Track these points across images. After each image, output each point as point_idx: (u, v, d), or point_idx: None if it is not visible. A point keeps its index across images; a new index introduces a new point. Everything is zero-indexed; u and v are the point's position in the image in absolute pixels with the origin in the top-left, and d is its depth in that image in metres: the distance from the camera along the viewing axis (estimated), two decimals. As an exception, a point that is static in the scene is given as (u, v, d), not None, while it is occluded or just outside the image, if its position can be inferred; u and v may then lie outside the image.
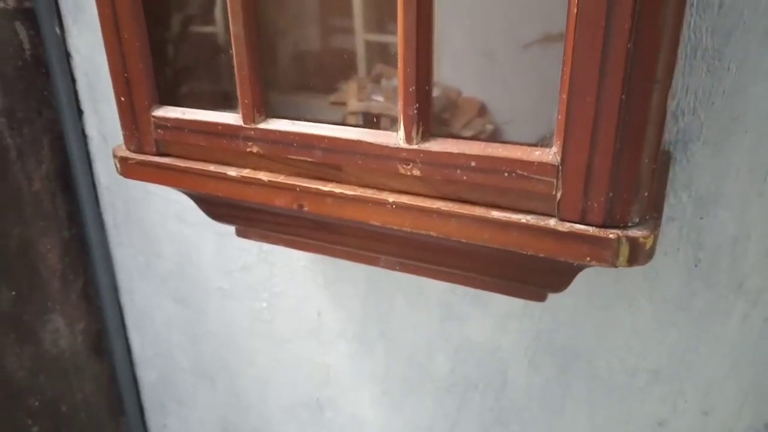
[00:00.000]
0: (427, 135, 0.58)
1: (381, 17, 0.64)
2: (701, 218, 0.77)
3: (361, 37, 0.74)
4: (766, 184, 0.73)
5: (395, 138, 0.59)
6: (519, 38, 0.54)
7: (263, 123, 0.67)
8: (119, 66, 0.71)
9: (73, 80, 1.22)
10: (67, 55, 1.20)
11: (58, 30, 1.17)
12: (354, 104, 0.74)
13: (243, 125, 0.67)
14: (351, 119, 0.74)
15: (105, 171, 1.29)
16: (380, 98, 0.71)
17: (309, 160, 0.65)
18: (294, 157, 0.66)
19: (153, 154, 0.75)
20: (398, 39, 0.55)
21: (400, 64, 0.56)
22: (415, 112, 0.57)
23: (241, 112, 0.67)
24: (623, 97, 0.47)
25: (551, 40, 0.52)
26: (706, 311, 0.81)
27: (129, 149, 0.77)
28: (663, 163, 0.73)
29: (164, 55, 0.74)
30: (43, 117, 1.22)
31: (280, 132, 0.65)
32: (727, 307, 0.80)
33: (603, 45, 0.46)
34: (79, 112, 1.25)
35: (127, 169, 0.77)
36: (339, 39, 0.75)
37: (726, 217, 0.77)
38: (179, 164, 0.73)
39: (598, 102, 0.48)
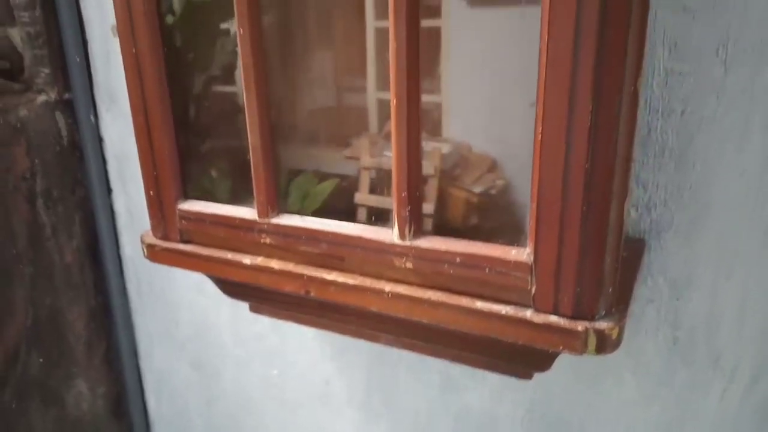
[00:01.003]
0: (418, 233, 0.65)
1: None
2: (677, 300, 0.83)
3: (373, 96, 0.81)
4: (733, 269, 0.79)
5: (390, 235, 0.66)
6: (528, 97, 0.58)
7: (276, 218, 0.74)
8: (150, 165, 0.79)
9: (104, 162, 1.32)
10: (100, 140, 1.30)
11: (92, 118, 1.27)
12: (367, 160, 0.81)
13: (258, 220, 0.74)
14: (364, 174, 0.80)
15: (130, 243, 1.37)
16: (391, 154, 0.77)
17: (315, 251, 0.72)
18: (302, 248, 0.73)
19: (177, 241, 0.82)
20: (392, 154, 0.62)
21: (393, 174, 0.63)
22: (408, 213, 0.64)
23: (256, 208, 0.74)
24: (584, 208, 0.54)
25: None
26: (687, 386, 0.86)
27: (155, 236, 0.84)
28: (637, 250, 0.79)
29: (190, 153, 0.82)
30: (75, 195, 1.31)
31: (290, 227, 0.72)
32: (706, 382, 0.85)
33: (564, 166, 0.53)
34: (109, 191, 1.34)
35: (154, 254, 0.84)
36: (353, 97, 0.83)
37: (699, 298, 0.82)
38: (201, 252, 0.80)
39: (562, 212, 0.55)
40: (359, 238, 0.68)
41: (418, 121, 0.61)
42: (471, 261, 0.62)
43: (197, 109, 0.86)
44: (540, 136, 0.53)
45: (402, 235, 0.65)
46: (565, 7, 0.49)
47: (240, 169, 0.87)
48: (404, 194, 0.63)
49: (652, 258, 0.82)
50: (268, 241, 0.75)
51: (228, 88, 0.94)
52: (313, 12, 0.88)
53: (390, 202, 0.65)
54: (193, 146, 0.82)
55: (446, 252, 0.63)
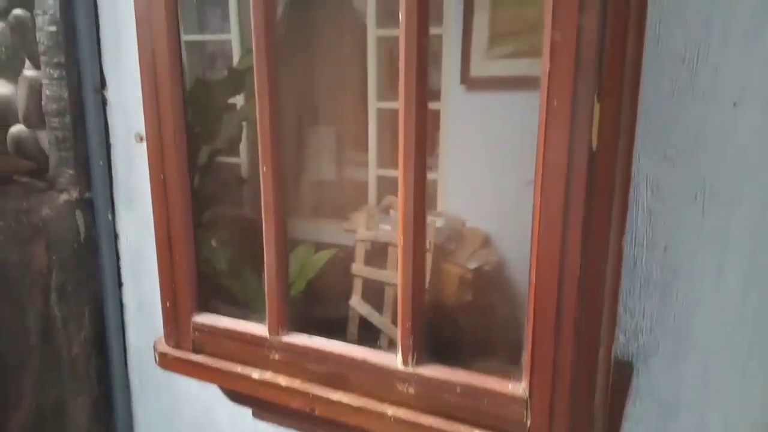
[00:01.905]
0: (421, 360, 0.69)
1: (392, 155, 0.73)
2: (665, 420, 0.85)
3: (373, 172, 0.85)
4: (718, 390, 0.82)
5: (394, 360, 0.69)
6: (521, 176, 0.61)
7: (285, 336, 0.77)
8: (169, 279, 0.83)
9: (118, 258, 1.36)
10: (115, 236, 1.35)
11: (110, 216, 1.32)
12: (363, 232, 0.84)
13: (268, 337, 0.78)
14: (360, 245, 0.82)
15: (136, 334, 1.39)
16: (388, 227, 0.80)
17: (322, 370, 0.75)
18: (309, 366, 0.76)
19: (189, 351, 0.85)
20: (398, 289, 0.66)
21: (399, 307, 0.67)
22: (411, 343, 0.67)
23: (267, 326, 0.78)
24: (576, 354, 0.58)
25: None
26: (676, 506, 0.87)
27: (168, 344, 0.87)
28: (626, 373, 0.83)
29: (207, 266, 0.86)
30: (87, 288, 1.34)
31: (299, 345, 0.76)
32: (695, 503, 0.86)
33: (556, 315, 0.57)
34: (120, 284, 1.37)
35: (166, 362, 0.87)
36: (353, 171, 0.86)
37: (687, 418, 0.84)
38: (211, 363, 0.83)
39: (555, 355, 0.58)
40: (364, 362, 0.71)
41: (423, 260, 0.66)
42: (470, 392, 0.65)
43: (201, 178, 0.89)
44: (533, 293, 0.58)
45: (405, 362, 0.68)
46: (555, 189, 0.54)
47: (239, 240, 0.91)
48: (408, 325, 0.67)
49: (641, 380, 0.85)
50: (276, 357, 0.78)
51: (232, 159, 0.98)
52: (316, 88, 0.92)
53: (383, 274, 0.67)
54: (195, 214, 0.85)
55: (447, 381, 0.66)
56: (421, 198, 0.64)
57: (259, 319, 0.79)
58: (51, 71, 1.23)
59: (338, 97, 0.95)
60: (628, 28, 0.54)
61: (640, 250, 0.81)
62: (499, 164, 0.69)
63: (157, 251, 0.83)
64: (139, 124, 1.25)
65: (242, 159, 1.01)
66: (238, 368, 0.81)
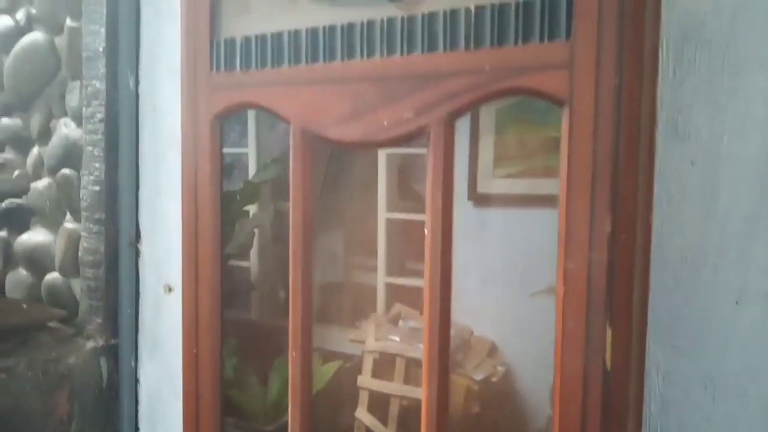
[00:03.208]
0: None
1: (401, 263, 0.74)
2: None
3: (382, 279, 0.85)
4: None
5: None
6: (528, 287, 0.61)
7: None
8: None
9: (137, 402, 1.36)
10: (136, 381, 1.36)
11: (133, 362, 1.34)
12: (371, 343, 0.82)
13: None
14: (368, 357, 0.81)
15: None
16: (396, 338, 0.79)
17: None
18: None
19: None
20: (422, 404, 0.66)
21: (423, 424, 0.66)
22: None
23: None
24: None
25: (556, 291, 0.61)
26: None
27: None
28: None
29: None
30: (104, 433, 1.34)
31: None
32: None
33: None
34: (136, 429, 1.37)
35: None
36: (361, 275, 0.87)
37: None
38: None
39: None
40: None
41: (447, 377, 0.66)
42: None
43: None
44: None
45: None
46: (572, 406, 0.57)
47: (246, 346, 0.91)
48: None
49: None
50: None
51: (242, 263, 1.00)
52: (328, 194, 0.96)
53: (390, 386, 0.67)
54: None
55: None
56: (447, 322, 0.65)
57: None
58: (90, 225, 1.30)
59: (347, 202, 0.99)
60: (634, 263, 0.59)
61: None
62: (504, 275, 0.72)
63: (183, 422, 0.85)
64: (169, 275, 1.30)
65: (252, 263, 1.04)
66: None
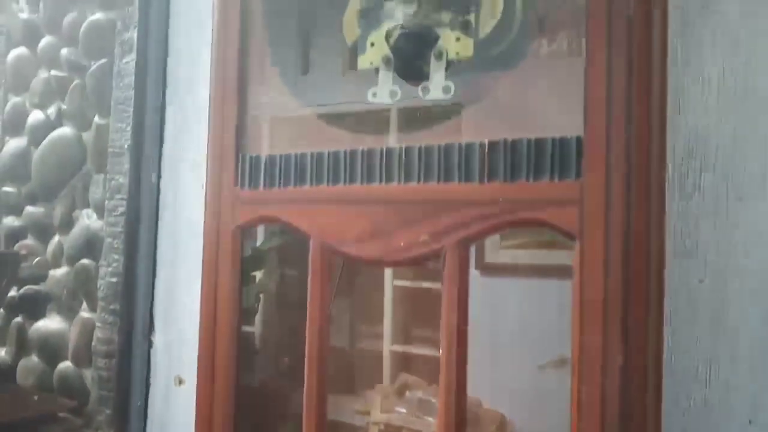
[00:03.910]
0: None
1: (407, 331, 0.73)
2: None
3: (387, 348, 0.83)
4: None
5: None
6: (537, 358, 0.60)
7: None
8: None
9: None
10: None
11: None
12: (377, 415, 0.80)
13: None
14: (374, 429, 0.78)
15: None
16: (403, 410, 0.76)
17: None
18: None
19: None
20: None
21: None
22: None
23: None
24: None
25: (564, 363, 0.60)
26: None
27: None
28: None
29: None
30: None
31: None
32: None
33: None
34: None
35: None
36: (367, 346, 0.84)
37: None
38: None
39: None
40: None
41: None
42: None
43: None
44: None
45: None
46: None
47: (246, 411, 0.88)
48: None
49: None
50: None
51: (247, 328, 0.98)
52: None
53: None
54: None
55: None
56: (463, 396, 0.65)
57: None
58: (106, 316, 1.32)
59: (354, 266, 0.99)
60: (647, 387, 0.60)
61: None
62: (513, 345, 0.71)
63: None
64: (180, 367, 1.31)
65: (257, 328, 1.04)
66: None
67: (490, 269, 0.90)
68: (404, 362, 0.78)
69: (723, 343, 0.79)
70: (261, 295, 1.08)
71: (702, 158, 0.79)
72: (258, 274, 1.21)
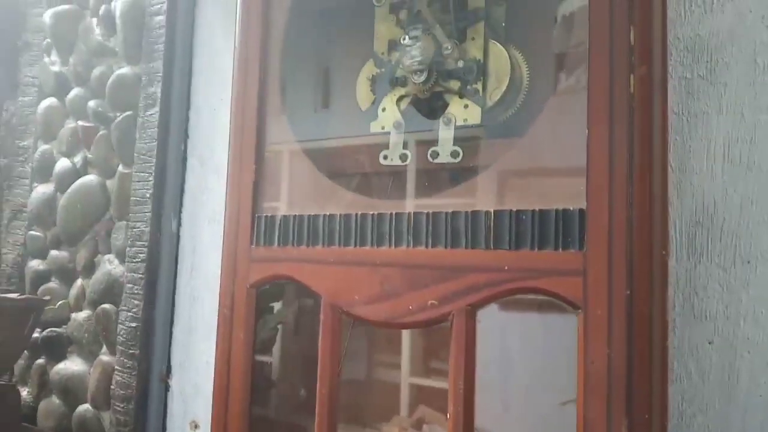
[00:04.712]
0: None
1: (427, 362, 0.72)
2: None
3: (406, 380, 0.82)
4: None
5: None
6: (555, 394, 0.58)
7: None
8: None
9: None
10: None
11: (155, 500, 1.33)
12: None
13: None
14: None
15: None
16: None
17: None
18: None
19: None
20: None
21: None
22: None
23: None
24: None
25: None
26: None
27: None
28: None
29: None
30: None
31: None
32: None
33: None
34: None
35: None
36: (385, 377, 0.83)
37: None
38: None
39: None
40: None
41: None
42: None
43: None
44: None
45: None
46: None
47: None
48: None
49: None
50: None
51: (264, 358, 0.98)
52: None
53: None
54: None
55: None
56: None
57: None
58: (124, 360, 1.34)
59: None
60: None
61: None
62: (530, 381, 0.71)
63: None
64: (196, 410, 1.32)
65: (274, 358, 1.04)
66: None
67: (506, 303, 0.90)
68: (423, 395, 0.78)
69: (734, 409, 0.78)
70: (279, 326, 1.09)
71: (710, 221, 0.80)
72: (276, 305, 1.22)
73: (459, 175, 0.77)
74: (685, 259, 0.81)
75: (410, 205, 0.77)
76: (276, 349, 1.05)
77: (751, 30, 0.79)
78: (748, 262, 0.77)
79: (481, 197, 0.72)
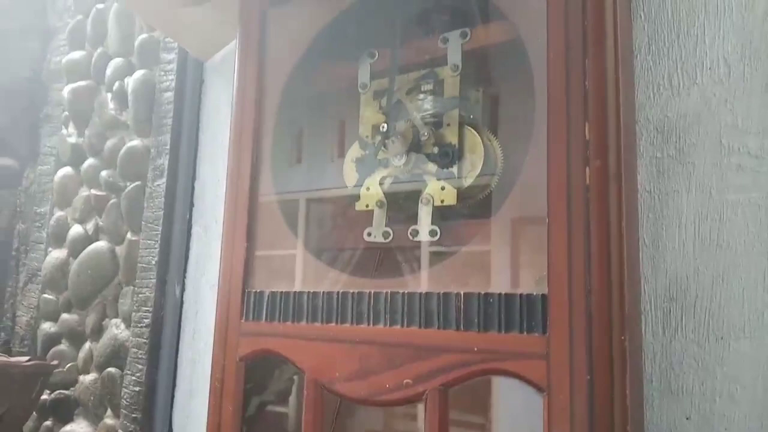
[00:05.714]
0: None
1: None
2: None
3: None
4: None
5: None
6: None
7: None
8: None
9: None
10: None
11: None
12: None
13: None
14: None
15: None
16: None
17: None
18: None
19: None
20: None
21: None
22: None
23: None
24: None
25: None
26: None
27: None
28: None
29: None
30: None
31: None
32: None
33: None
34: None
35: None
36: (403, 427, 0.82)
37: None
38: None
39: None
40: None
41: None
42: None
43: (248, 429, 0.89)
44: None
45: None
46: None
47: None
48: None
49: None
50: None
51: (280, 409, 0.98)
52: None
53: None
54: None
55: None
56: None
57: None
58: (127, 423, 1.36)
59: None
60: None
61: None
62: None
63: None
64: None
65: (290, 409, 1.04)
66: None
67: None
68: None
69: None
70: (295, 377, 1.11)
71: (684, 297, 0.81)
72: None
73: (437, 254, 0.80)
74: (661, 334, 0.82)
75: (391, 283, 0.80)
76: (292, 399, 1.07)
77: (716, 113, 0.82)
78: (722, 338, 0.79)
79: (455, 277, 0.75)
